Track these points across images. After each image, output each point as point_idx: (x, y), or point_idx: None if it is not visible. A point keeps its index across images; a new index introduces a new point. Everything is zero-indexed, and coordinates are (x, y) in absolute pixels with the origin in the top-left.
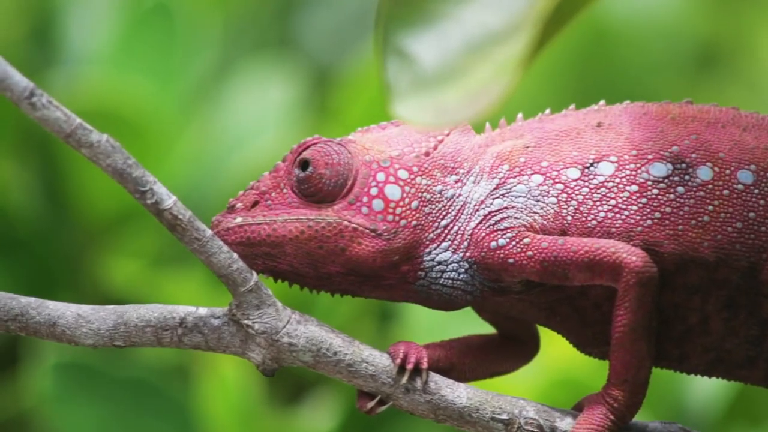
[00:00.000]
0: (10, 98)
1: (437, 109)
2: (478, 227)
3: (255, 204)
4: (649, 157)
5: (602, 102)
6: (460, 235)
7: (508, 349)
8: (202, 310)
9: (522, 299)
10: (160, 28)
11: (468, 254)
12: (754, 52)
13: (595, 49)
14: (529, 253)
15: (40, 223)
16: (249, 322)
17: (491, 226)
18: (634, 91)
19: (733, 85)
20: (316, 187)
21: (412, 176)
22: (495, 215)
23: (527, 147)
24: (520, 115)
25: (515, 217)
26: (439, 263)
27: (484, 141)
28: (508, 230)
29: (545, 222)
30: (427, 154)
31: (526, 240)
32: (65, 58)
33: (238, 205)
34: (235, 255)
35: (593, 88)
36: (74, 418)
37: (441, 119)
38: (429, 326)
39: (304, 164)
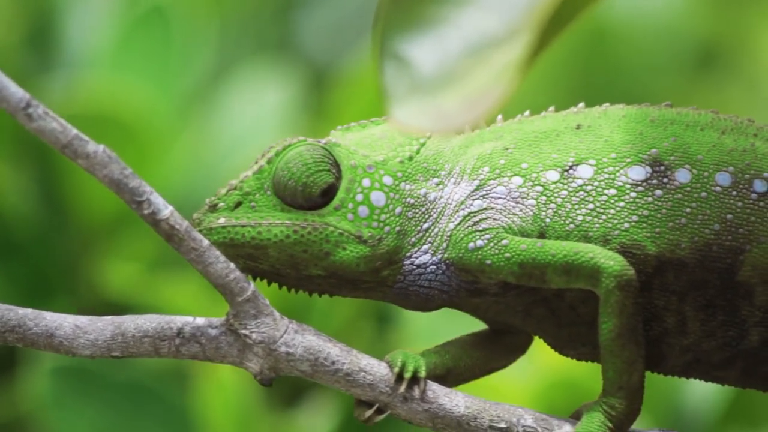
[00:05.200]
0: (7, 109)
1: (436, 113)
2: (458, 228)
3: (238, 205)
4: (628, 160)
5: (581, 104)
6: (439, 237)
7: (501, 343)
8: (200, 320)
9: (498, 301)
10: (156, 31)
11: (446, 255)
12: (754, 51)
13: (595, 49)
14: (507, 254)
15: (38, 227)
16: (246, 332)
17: (470, 227)
18: (634, 90)
19: (733, 84)
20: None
21: (397, 182)
22: (474, 216)
23: (507, 149)
24: (499, 117)
25: (494, 219)
26: (419, 266)
27: (464, 142)
28: (487, 231)
29: (524, 224)
30: (411, 158)
31: (504, 242)
32: (62, 62)
33: (221, 204)
34: (232, 265)
35: (594, 87)
36: (72, 423)
37: (440, 124)
38: (426, 328)
39: (326, 190)
